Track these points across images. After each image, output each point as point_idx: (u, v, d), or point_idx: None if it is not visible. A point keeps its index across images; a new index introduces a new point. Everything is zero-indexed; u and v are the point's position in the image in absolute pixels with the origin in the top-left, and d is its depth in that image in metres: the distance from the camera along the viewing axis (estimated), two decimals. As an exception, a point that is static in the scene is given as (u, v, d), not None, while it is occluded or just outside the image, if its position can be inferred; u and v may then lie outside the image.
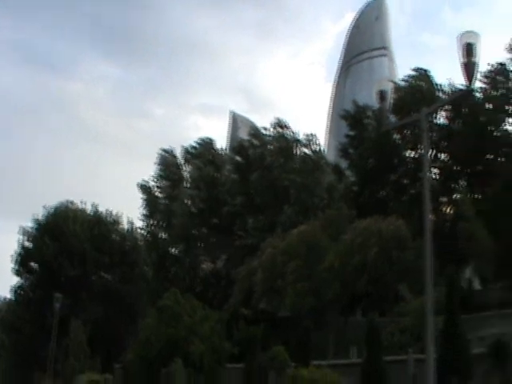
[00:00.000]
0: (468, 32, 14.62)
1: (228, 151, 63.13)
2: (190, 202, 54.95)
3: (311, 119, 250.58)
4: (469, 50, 14.28)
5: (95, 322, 48.14)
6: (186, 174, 59.76)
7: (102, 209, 58.85)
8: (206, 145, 59.78)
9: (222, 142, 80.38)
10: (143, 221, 59.96)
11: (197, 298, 37.51)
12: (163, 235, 59.17)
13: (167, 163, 59.84)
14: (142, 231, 60.15)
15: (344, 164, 56.95)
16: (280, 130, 53.31)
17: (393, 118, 45.46)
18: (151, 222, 59.73)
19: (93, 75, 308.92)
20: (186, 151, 59.97)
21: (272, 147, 52.27)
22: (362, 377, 23.12)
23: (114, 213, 58.77)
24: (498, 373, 16.32)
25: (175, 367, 23.03)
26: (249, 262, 40.26)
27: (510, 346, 16.27)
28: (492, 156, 47.87)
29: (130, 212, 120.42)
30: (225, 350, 32.72)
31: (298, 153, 52.57)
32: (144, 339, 33.23)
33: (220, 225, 52.28)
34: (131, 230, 59.01)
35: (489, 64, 46.48)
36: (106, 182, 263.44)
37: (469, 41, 14.38)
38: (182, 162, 60.32)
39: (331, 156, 70.72)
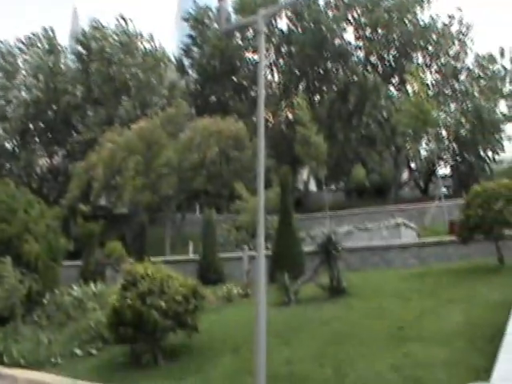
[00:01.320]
0: None
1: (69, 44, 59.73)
2: (26, 93, 51.78)
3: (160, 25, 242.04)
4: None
5: None
6: (22, 65, 55.97)
7: None
8: (46, 34, 56.04)
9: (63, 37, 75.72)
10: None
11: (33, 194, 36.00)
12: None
13: (1, 53, 55.65)
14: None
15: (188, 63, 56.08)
16: (123, 24, 51.06)
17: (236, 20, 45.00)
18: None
19: None
20: (23, 41, 55.95)
21: (113, 40, 50.02)
22: (197, 272, 23.42)
23: None
24: (327, 268, 17.05)
25: (3, 266, 21.86)
26: (87, 158, 39.01)
27: (336, 244, 16.98)
28: (330, 64, 48.91)
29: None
30: (61, 247, 31.83)
31: (141, 48, 50.76)
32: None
33: (58, 118, 49.98)
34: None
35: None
36: None
37: None
38: (18, 52, 56.32)
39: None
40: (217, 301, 19.07)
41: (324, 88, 48.98)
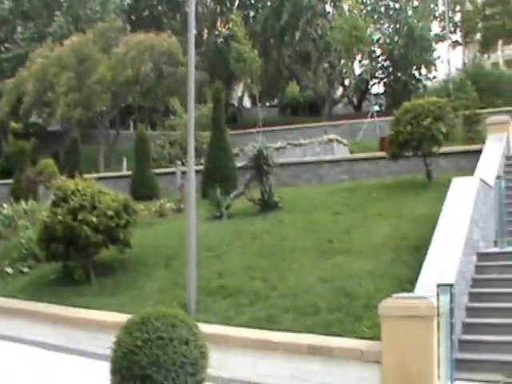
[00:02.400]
0: None
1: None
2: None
3: None
4: None
5: None
6: None
7: None
8: None
9: None
10: None
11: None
12: None
13: None
14: None
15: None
16: None
17: None
18: None
19: None
20: None
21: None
22: (130, 188, 23.05)
23: None
24: (257, 183, 16.98)
25: None
26: (17, 73, 37.36)
27: (268, 159, 16.86)
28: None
29: None
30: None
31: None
32: None
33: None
34: None
35: None
36: None
37: None
38: None
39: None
40: (150, 216, 18.85)
41: (259, 4, 47.91)
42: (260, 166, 16.76)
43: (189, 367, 5.76)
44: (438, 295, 7.67)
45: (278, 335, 9.59)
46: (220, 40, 49.03)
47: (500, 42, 58.44)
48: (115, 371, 6.51)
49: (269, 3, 44.91)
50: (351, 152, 26.81)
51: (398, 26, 45.65)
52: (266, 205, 16.72)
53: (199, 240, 12.32)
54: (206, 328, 8.07)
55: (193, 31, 12.09)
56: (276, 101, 53.09)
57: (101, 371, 7.79)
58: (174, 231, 16.11)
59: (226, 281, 12.19)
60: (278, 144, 26.02)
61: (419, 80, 47.47)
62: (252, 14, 48.91)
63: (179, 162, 23.42)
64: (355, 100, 49.81)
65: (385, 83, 48.69)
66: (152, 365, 6.11)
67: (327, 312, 9.96)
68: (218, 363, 8.69)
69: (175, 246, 14.53)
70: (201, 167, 20.75)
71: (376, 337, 8.43)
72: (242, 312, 10.74)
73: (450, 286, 7.89)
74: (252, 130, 32.02)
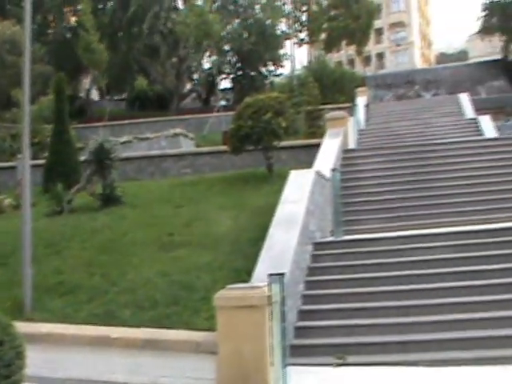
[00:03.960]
0: None
1: None
2: None
3: None
4: None
5: None
6: None
7: None
8: None
9: None
10: None
11: None
12: None
13: None
14: None
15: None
16: None
17: None
18: None
19: None
20: None
21: None
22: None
23: None
24: (99, 177, 16.55)
25: None
26: None
27: (110, 153, 16.47)
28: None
29: None
30: None
31: None
32: None
33: None
34: None
35: None
36: None
37: None
38: None
39: None
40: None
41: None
42: (101, 160, 16.33)
43: (2, 369, 5.44)
44: (270, 284, 7.78)
45: (115, 331, 9.39)
46: (68, 31, 47.29)
47: (343, 43, 60.85)
48: None
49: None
50: (197, 146, 26.84)
51: (246, 23, 46.30)
52: (109, 199, 16.31)
53: (38, 236, 11.82)
54: (42, 327, 7.73)
55: (29, 19, 11.55)
56: (125, 94, 52.12)
57: None
58: (12, 228, 15.28)
59: (64, 277, 11.78)
60: (125, 138, 25.53)
61: (266, 76, 48.49)
62: (100, 6, 47.56)
63: (19, 156, 22.32)
64: (203, 95, 50.02)
65: (233, 78, 49.29)
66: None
67: (165, 305, 9.88)
68: (54, 363, 8.35)
69: (12, 244, 13.80)
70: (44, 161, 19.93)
71: (213, 328, 8.44)
72: (80, 309, 10.43)
73: (281, 275, 8.02)
74: (99, 124, 31.25)
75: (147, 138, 26.01)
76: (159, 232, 13.21)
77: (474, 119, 23.24)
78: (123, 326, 9.53)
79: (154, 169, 21.54)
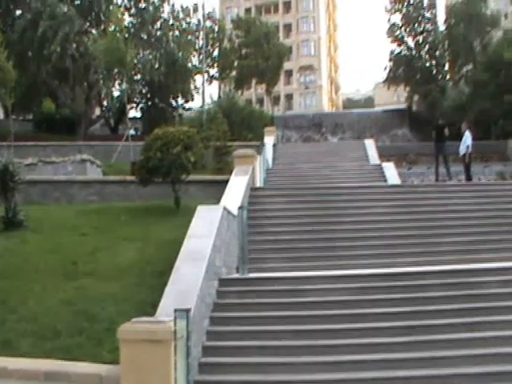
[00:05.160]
0: None
1: None
2: None
3: None
4: None
5: None
6: None
7: None
8: None
9: None
10: None
11: None
12: None
13: None
14: None
15: None
16: None
17: None
18: None
19: None
20: None
21: None
22: None
23: None
24: (3, 200, 16.08)
25: None
26: None
27: (14, 175, 16.07)
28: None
29: None
30: None
31: None
32: None
33: None
34: None
35: None
36: None
37: None
38: None
39: None
40: None
41: (16, 12, 45.58)
42: (5, 182, 15.90)
43: None
44: (175, 319, 7.86)
45: (14, 361, 9.10)
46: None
47: (254, 81, 62.04)
48: None
49: (27, 14, 42.94)
50: (105, 174, 26.56)
51: (159, 53, 46.39)
52: (11, 223, 15.83)
53: None
54: None
55: None
56: (32, 115, 50.87)
57: None
58: None
59: (-41, 303, 11.34)
60: (30, 160, 24.91)
61: (176, 108, 48.67)
62: (10, 22, 46.39)
63: None
64: (112, 122, 49.57)
65: (142, 108, 49.16)
66: None
67: (68, 336, 9.72)
68: None
69: None
70: None
71: (116, 361, 8.38)
72: (-25, 338, 10.04)
73: (187, 310, 8.11)
74: (3, 143, 30.32)
75: (53, 162, 25.48)
76: (63, 259, 12.99)
77: (379, 165, 24.26)
78: (23, 356, 9.27)
79: (60, 194, 21.08)
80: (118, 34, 33.20)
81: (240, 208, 13.82)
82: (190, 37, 51.08)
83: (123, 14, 45.12)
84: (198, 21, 53.41)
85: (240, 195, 15.48)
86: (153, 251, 13.36)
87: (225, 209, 12.80)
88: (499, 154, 37.39)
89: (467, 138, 23.18)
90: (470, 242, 14.51)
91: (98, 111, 50.48)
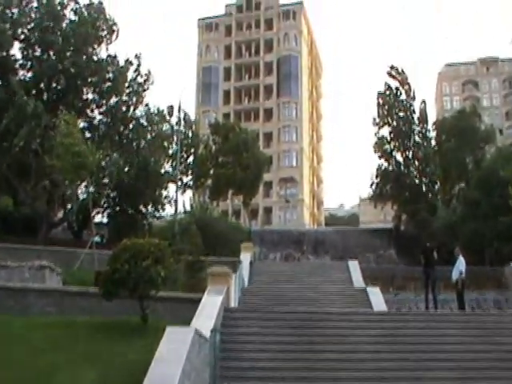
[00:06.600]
0: None
1: None
2: None
3: None
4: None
5: None
6: None
7: None
8: None
9: None
10: None
11: None
12: None
13: None
14: None
15: None
16: None
17: None
18: None
19: None
20: None
21: None
22: None
23: None
24: None
25: None
26: None
27: None
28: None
29: None
30: None
31: None
32: None
33: None
34: None
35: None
36: None
37: None
38: None
39: None
40: None
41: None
42: None
43: None
44: None
45: None
46: None
47: (230, 192, 62.26)
48: None
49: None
50: (65, 283, 26.33)
51: (129, 156, 46.76)
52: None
53: None
54: None
55: None
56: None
57: None
58: None
59: None
60: (-18, 263, 24.75)
61: (146, 216, 48.76)
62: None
63: None
64: (76, 226, 49.38)
65: (109, 214, 49.15)
66: None
67: None
68: None
69: None
70: None
71: None
72: None
73: None
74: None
75: (7, 267, 25.27)
76: (18, 377, 12.74)
77: (364, 289, 24.48)
78: None
79: (14, 303, 20.72)
80: (76, 139, 32.91)
81: (212, 331, 13.82)
82: (164, 142, 51.79)
83: (92, 111, 46.11)
84: (172, 126, 54.49)
85: (213, 317, 15.47)
86: (116, 373, 13.15)
87: (196, 331, 12.75)
88: (494, 281, 37.80)
89: (460, 263, 23.55)
90: (458, 378, 14.55)
91: (60, 213, 50.40)
